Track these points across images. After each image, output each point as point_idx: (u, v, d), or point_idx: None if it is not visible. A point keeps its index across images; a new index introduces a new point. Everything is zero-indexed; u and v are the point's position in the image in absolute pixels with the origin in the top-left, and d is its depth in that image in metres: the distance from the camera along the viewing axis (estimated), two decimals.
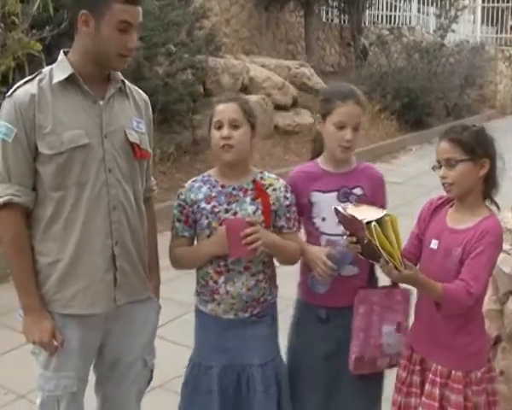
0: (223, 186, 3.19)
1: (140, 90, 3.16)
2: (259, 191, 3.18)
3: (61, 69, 2.88)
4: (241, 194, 3.17)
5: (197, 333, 3.35)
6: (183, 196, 3.23)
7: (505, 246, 3.92)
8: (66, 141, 2.81)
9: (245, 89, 12.84)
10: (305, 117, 13.62)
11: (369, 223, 2.74)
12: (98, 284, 2.92)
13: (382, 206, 3.15)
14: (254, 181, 3.21)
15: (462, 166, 2.96)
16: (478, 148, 2.97)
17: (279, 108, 13.27)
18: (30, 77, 2.91)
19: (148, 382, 3.27)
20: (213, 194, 3.18)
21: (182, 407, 3.34)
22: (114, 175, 2.91)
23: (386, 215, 2.78)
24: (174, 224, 3.25)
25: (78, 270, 2.89)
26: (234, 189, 3.18)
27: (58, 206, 2.85)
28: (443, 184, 3.03)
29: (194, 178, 3.28)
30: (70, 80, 2.86)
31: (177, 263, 3.27)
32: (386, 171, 12.27)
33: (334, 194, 3.25)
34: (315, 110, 14.20)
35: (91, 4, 2.79)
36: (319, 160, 3.36)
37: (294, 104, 13.87)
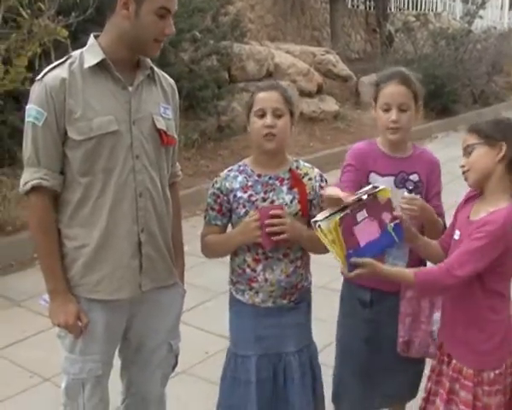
0: (259, 175, 3.19)
1: (167, 76, 3.16)
2: (296, 181, 3.17)
3: (91, 54, 2.87)
4: (277, 183, 3.17)
5: (233, 323, 3.34)
6: (218, 185, 3.23)
7: None
8: (96, 127, 2.81)
9: (270, 75, 12.83)
10: (330, 104, 13.57)
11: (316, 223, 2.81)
12: (124, 270, 2.93)
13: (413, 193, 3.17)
14: (290, 170, 3.20)
15: (477, 151, 2.92)
16: (495, 132, 2.91)
17: (304, 94, 13.21)
18: (60, 61, 2.89)
19: (173, 367, 3.28)
20: (250, 183, 3.17)
21: (221, 399, 3.33)
22: (141, 161, 2.92)
23: (335, 217, 2.78)
24: (208, 212, 3.26)
25: (104, 255, 2.90)
26: (270, 178, 3.17)
27: (86, 191, 2.86)
28: (463, 174, 2.99)
29: (229, 168, 3.28)
30: (101, 65, 2.85)
31: (208, 250, 3.28)
32: None
33: (392, 178, 3.26)
34: (340, 97, 14.18)
35: None
36: (378, 140, 3.37)
37: (319, 91, 13.82)
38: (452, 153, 3.05)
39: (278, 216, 3.03)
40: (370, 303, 3.32)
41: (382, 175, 3.25)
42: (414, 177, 3.26)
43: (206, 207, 3.26)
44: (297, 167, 3.22)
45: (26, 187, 2.84)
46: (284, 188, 3.15)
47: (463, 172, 2.98)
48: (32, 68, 6.86)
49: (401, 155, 3.27)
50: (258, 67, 12.47)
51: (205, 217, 3.28)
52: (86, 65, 2.84)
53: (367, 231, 2.89)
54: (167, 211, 3.09)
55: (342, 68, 15.00)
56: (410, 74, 3.29)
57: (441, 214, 3.33)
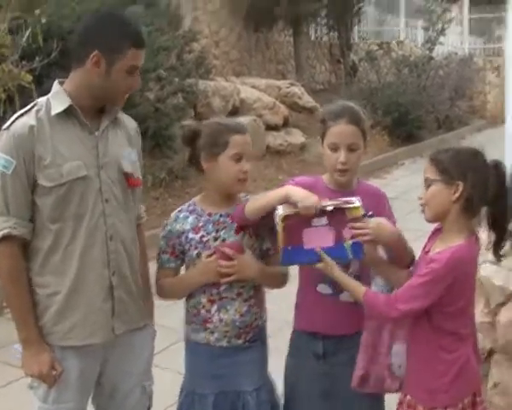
0: (210, 214, 3.16)
1: (130, 119, 3.19)
2: None
3: (58, 100, 2.89)
4: (228, 220, 3.15)
5: (189, 361, 3.30)
6: (168, 228, 3.20)
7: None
8: (66, 173, 2.83)
9: (236, 111, 12.91)
10: (296, 136, 13.68)
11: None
12: (96, 315, 2.93)
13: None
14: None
15: (434, 187, 2.84)
16: (453, 169, 2.81)
17: (270, 128, 13.33)
18: (26, 108, 2.92)
19: (148, 409, 3.27)
20: (201, 223, 3.15)
21: None
22: (111, 205, 2.94)
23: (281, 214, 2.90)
24: (160, 255, 3.23)
25: (76, 301, 2.90)
26: (221, 216, 3.16)
27: (56, 238, 2.87)
28: (420, 205, 2.92)
29: (179, 208, 3.26)
30: (68, 112, 2.88)
31: (164, 293, 3.26)
32: (381, 186, 12.37)
33: None
34: (306, 129, 14.30)
35: (105, 47, 2.83)
36: (324, 176, 3.22)
37: (286, 124, 13.93)
38: (419, 179, 3.00)
39: (229, 257, 3.04)
40: (324, 355, 3.17)
41: None
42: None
43: (159, 251, 3.23)
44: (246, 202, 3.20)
45: None
46: (235, 225, 3.14)
47: (421, 205, 2.91)
48: None
49: (344, 190, 3.13)
50: (224, 102, 12.55)
51: (157, 260, 3.25)
52: (53, 112, 2.87)
53: (319, 237, 2.91)
54: (137, 252, 3.12)
55: (308, 100, 15.13)
56: (359, 111, 3.15)
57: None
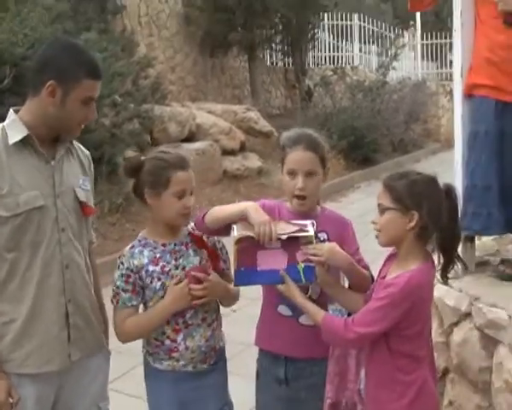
0: (164, 245, 3.15)
1: (82, 147, 3.19)
2: (199, 241, 3.19)
3: (14, 129, 2.87)
4: (183, 248, 3.16)
5: (151, 389, 3.26)
6: (126, 265, 3.12)
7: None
8: (23, 203, 2.82)
9: (192, 136, 12.93)
10: (253, 161, 13.74)
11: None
12: (53, 342, 2.92)
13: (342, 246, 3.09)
14: (190, 233, 3.21)
15: (388, 215, 2.85)
16: (408, 199, 2.82)
17: (227, 152, 13.37)
18: None
19: None
20: (158, 255, 3.12)
21: None
22: (67, 234, 2.94)
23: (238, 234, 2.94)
24: (119, 296, 3.13)
25: (32, 329, 2.89)
26: (176, 245, 3.16)
27: (12, 267, 2.85)
28: (374, 230, 2.94)
29: (130, 245, 3.19)
30: (24, 141, 2.86)
31: (131, 335, 3.18)
32: (336, 209, 12.46)
33: None
34: (263, 153, 14.37)
35: (61, 77, 2.82)
36: (287, 202, 3.21)
37: (242, 148, 14.00)
38: (374, 202, 3.02)
39: (199, 279, 3.06)
40: (286, 380, 3.16)
41: None
42: (322, 235, 3.11)
43: (116, 292, 3.12)
44: (193, 229, 3.22)
45: None
46: (190, 251, 3.16)
47: (375, 229, 2.92)
48: None
49: (308, 216, 3.12)
50: (180, 128, 12.57)
51: (115, 302, 3.14)
52: (11, 141, 2.85)
53: (272, 259, 2.95)
54: (91, 279, 3.11)
55: (264, 125, 15.22)
56: (317, 137, 3.16)
57: (366, 267, 3.18)
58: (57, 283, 2.92)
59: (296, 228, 2.98)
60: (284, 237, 2.93)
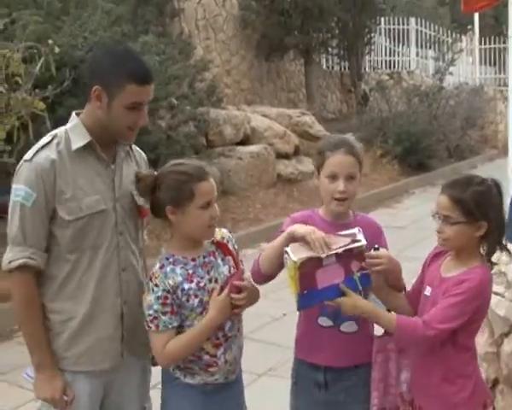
0: (193, 259, 3.04)
1: (139, 149, 3.25)
2: (225, 248, 3.13)
3: (77, 134, 2.95)
4: (212, 259, 3.08)
5: (177, 404, 3.13)
6: (161, 287, 2.95)
7: (499, 289, 3.98)
8: (85, 207, 2.90)
9: (247, 139, 12.99)
10: (307, 165, 13.71)
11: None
12: (107, 341, 2.99)
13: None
14: (214, 241, 3.12)
15: (458, 227, 2.94)
16: (477, 211, 2.92)
17: (281, 156, 13.39)
18: (46, 140, 2.95)
19: None
20: (190, 271, 3.01)
21: None
22: (124, 238, 3.02)
23: (300, 258, 2.87)
24: (159, 319, 2.95)
25: (88, 328, 2.96)
26: (204, 257, 3.06)
27: (73, 267, 2.93)
28: (438, 237, 3.02)
29: (158, 264, 3.01)
30: (87, 146, 2.94)
31: (175, 357, 3.03)
32: (390, 215, 12.45)
33: None
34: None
35: (105, 82, 2.88)
36: (320, 209, 3.28)
37: (296, 152, 14.00)
38: (430, 208, 3.04)
39: (239, 288, 3.00)
40: (325, 384, 3.19)
41: None
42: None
43: (153, 316, 2.95)
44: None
45: (11, 265, 2.87)
46: (219, 261, 3.09)
47: (440, 238, 3.01)
48: (11, 141, 6.95)
49: (341, 222, 3.18)
50: (235, 131, 12.63)
51: (155, 327, 2.96)
52: (74, 146, 2.92)
53: (330, 275, 2.93)
54: (143, 280, 3.15)
55: (318, 129, 15.18)
56: (355, 143, 3.21)
57: None
58: (114, 284, 2.99)
59: (348, 240, 2.98)
60: (340, 250, 2.92)
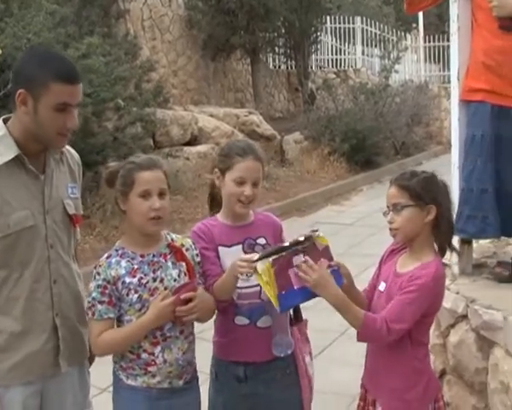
0: (142, 256, 3.05)
1: (73, 151, 3.15)
2: (179, 253, 3.12)
3: (4, 147, 2.81)
4: (162, 259, 3.08)
5: (122, 408, 3.14)
6: (102, 276, 2.99)
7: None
8: (13, 224, 2.78)
9: (194, 139, 12.98)
10: None
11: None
12: (38, 355, 2.90)
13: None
14: (169, 244, 3.13)
15: (407, 212, 3.00)
16: (424, 194, 2.99)
17: None
18: None
19: None
20: (136, 266, 3.02)
21: None
22: (55, 250, 2.92)
23: (266, 261, 2.89)
24: (95, 307, 2.99)
25: (17, 343, 2.86)
26: (154, 256, 3.07)
27: (1, 283, 2.83)
28: (390, 230, 3.07)
29: (106, 254, 3.06)
30: (15, 158, 2.80)
31: (107, 349, 3.07)
32: (338, 213, 12.58)
33: (239, 247, 3.23)
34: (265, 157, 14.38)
35: (29, 84, 2.74)
36: (219, 215, 3.32)
37: None
38: (378, 204, 3.13)
39: (190, 299, 2.97)
40: (245, 378, 3.25)
41: (229, 246, 3.23)
42: (261, 240, 3.27)
43: (91, 303, 2.99)
44: (172, 240, 3.16)
45: None
46: (169, 263, 3.08)
47: (391, 229, 3.06)
48: None
49: (243, 223, 3.28)
50: (183, 131, 12.63)
51: (91, 314, 3.00)
52: (1, 161, 2.79)
53: None
54: (80, 287, 3.09)
55: (266, 128, 15.26)
56: (260, 149, 3.32)
57: None
58: (45, 298, 2.89)
59: (302, 237, 2.99)
60: (301, 238, 2.94)
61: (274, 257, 2.89)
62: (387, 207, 3.07)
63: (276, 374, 3.25)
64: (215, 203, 3.40)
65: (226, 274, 3.11)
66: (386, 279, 3.12)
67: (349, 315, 2.96)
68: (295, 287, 2.92)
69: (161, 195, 3.02)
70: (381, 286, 3.14)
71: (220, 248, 3.23)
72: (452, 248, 3.17)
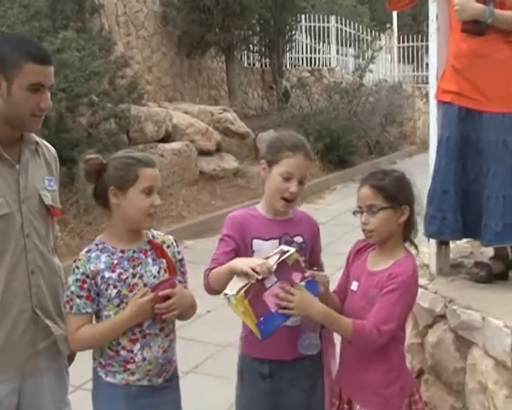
0: (122, 251, 3.04)
1: (49, 145, 3.13)
2: (159, 250, 3.12)
3: None
4: (142, 256, 3.07)
5: (102, 406, 3.12)
6: (81, 269, 2.98)
7: (422, 281, 4.06)
8: None
9: (169, 136, 12.93)
10: (229, 161, 13.76)
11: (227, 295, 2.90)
12: (14, 346, 2.87)
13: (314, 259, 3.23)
14: (150, 241, 3.12)
15: (383, 214, 3.01)
16: (399, 195, 3.03)
17: (203, 153, 13.38)
18: None
19: None
20: (115, 261, 3.01)
21: None
22: (32, 240, 2.89)
23: (238, 293, 2.85)
24: (73, 301, 2.98)
25: None
26: (134, 252, 3.06)
27: None
28: (363, 230, 3.08)
29: (86, 249, 3.06)
30: None
31: (84, 344, 3.06)
32: (312, 211, 12.43)
33: (276, 241, 3.19)
34: (239, 154, 14.39)
35: (1, 66, 2.75)
36: (259, 206, 3.29)
37: (219, 149, 14.00)
38: (352, 203, 3.11)
39: (169, 296, 2.97)
40: (270, 375, 3.24)
41: (266, 239, 3.20)
42: (298, 239, 3.23)
43: (70, 297, 2.98)
44: (153, 236, 3.15)
45: None
46: (149, 260, 3.07)
47: (365, 230, 3.07)
48: None
49: (283, 218, 3.24)
50: (157, 128, 12.56)
51: (69, 308, 2.99)
52: None
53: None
54: (59, 280, 3.07)
55: (240, 126, 15.24)
56: (309, 147, 3.28)
57: (323, 269, 3.36)
58: (23, 289, 2.86)
59: (277, 256, 2.98)
60: (274, 266, 2.92)
61: (245, 288, 2.86)
62: (359, 207, 3.08)
63: (300, 373, 3.24)
64: None
65: (225, 268, 3.05)
66: (359, 278, 3.13)
67: (338, 327, 3.00)
68: (272, 310, 2.90)
69: (158, 193, 3.05)
70: (354, 286, 3.15)
71: (255, 241, 3.19)
72: (412, 244, 3.21)
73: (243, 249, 3.17)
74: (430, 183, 4.22)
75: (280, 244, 3.16)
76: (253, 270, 2.86)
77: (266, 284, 2.89)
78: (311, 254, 3.32)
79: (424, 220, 4.05)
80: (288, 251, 2.98)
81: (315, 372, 3.29)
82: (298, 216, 3.32)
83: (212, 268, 3.12)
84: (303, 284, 2.96)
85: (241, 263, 2.96)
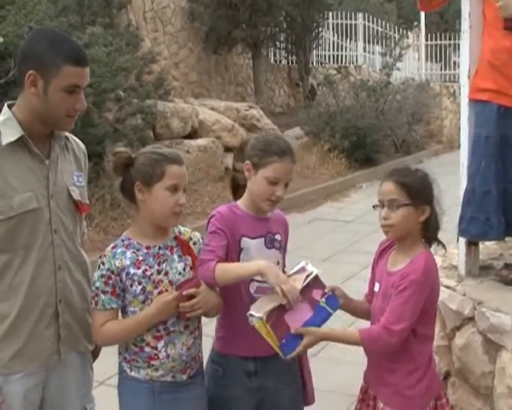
0: (148, 248, 3.03)
1: (78, 141, 3.13)
2: (185, 247, 3.10)
3: (9, 129, 2.80)
4: (168, 252, 3.06)
5: (126, 400, 3.12)
6: (107, 265, 2.98)
7: (451, 282, 4.02)
8: (16, 206, 2.76)
9: (195, 132, 12.93)
10: None
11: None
12: (38, 342, 2.87)
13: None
14: (176, 237, 3.11)
15: (404, 210, 3.00)
16: (421, 194, 3.02)
17: (229, 149, 13.34)
18: None
19: None
20: (141, 257, 3.01)
21: None
22: (59, 235, 2.89)
23: (260, 319, 2.88)
24: (98, 297, 2.99)
25: (20, 329, 2.83)
26: (160, 248, 3.05)
27: (4, 267, 2.80)
28: (382, 225, 3.06)
29: (112, 244, 3.06)
30: (19, 141, 2.80)
31: (109, 340, 3.07)
32: (338, 210, 12.56)
33: (262, 240, 3.21)
34: None
35: (40, 65, 2.74)
36: (240, 203, 3.26)
37: None
38: (377, 202, 3.11)
39: (193, 295, 2.96)
40: (255, 372, 3.22)
41: (253, 238, 3.19)
42: (277, 236, 3.26)
43: (95, 293, 2.99)
44: (179, 233, 3.13)
45: None
46: (175, 256, 3.07)
47: (384, 225, 3.05)
48: None
49: (264, 216, 3.25)
50: (183, 124, 12.56)
51: (94, 303, 3.00)
52: (4, 142, 2.78)
53: (299, 314, 2.95)
54: (85, 276, 3.06)
55: (266, 123, 15.20)
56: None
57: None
58: (48, 283, 2.86)
59: (302, 276, 3.02)
60: (299, 288, 2.96)
61: (267, 313, 2.88)
62: (380, 201, 3.07)
63: (283, 367, 3.21)
64: (238, 190, 3.35)
65: (244, 267, 3.06)
66: (380, 280, 3.14)
67: (344, 340, 3.07)
68: (292, 331, 2.94)
69: (184, 190, 3.04)
70: (376, 287, 3.16)
71: (244, 239, 3.18)
72: (441, 244, 3.19)
73: (232, 246, 3.15)
74: (467, 183, 4.16)
75: (265, 243, 3.21)
76: (283, 292, 2.88)
77: (287, 305, 2.92)
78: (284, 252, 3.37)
79: (460, 221, 4.00)
80: (311, 272, 3.03)
81: (293, 366, 3.29)
82: (274, 214, 3.33)
83: (211, 260, 3.05)
84: (324, 300, 3.01)
85: (274, 277, 2.94)
